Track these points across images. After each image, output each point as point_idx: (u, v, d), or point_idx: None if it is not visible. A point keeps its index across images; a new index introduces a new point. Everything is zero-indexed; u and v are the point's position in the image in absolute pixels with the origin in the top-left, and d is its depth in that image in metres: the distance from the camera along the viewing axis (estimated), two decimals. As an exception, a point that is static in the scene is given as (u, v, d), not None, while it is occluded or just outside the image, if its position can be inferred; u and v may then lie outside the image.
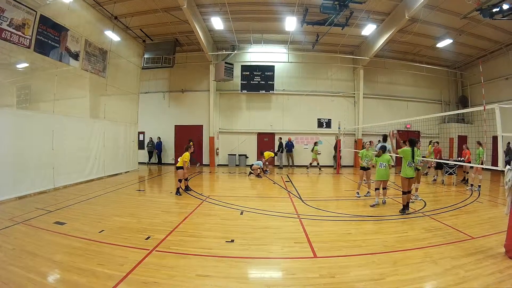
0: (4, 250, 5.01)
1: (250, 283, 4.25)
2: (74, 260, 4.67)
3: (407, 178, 7.88)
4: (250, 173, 15.41)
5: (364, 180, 10.76)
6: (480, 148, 11.79)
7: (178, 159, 10.44)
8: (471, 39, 17.40)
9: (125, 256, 4.89)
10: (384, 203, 8.95)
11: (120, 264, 4.59)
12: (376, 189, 8.94)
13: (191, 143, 10.94)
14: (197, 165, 16.77)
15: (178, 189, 10.33)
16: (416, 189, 9.56)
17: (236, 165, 20.24)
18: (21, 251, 4.98)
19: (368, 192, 10.45)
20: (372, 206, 8.71)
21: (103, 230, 6.23)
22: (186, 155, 10.28)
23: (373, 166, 9.50)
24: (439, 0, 13.32)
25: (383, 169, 8.74)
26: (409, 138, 8.59)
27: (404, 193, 7.97)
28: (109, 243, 5.47)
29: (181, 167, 10.26)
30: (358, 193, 10.30)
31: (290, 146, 19.79)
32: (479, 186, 11.30)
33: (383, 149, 8.91)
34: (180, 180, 10.41)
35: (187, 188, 10.86)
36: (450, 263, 4.68)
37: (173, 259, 4.86)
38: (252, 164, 15.46)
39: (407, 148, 8.11)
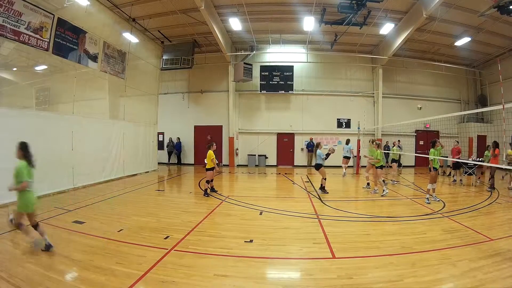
0: (22, 248, 5.07)
1: (268, 283, 4.21)
2: (92, 259, 4.69)
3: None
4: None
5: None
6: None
7: (205, 161, 10.17)
8: (489, 37, 16.95)
9: (144, 255, 4.87)
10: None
11: (139, 263, 4.58)
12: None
13: (214, 143, 10.51)
14: (219, 164, 16.55)
15: (205, 190, 10.13)
16: (434, 190, 9.28)
17: (256, 166, 20.12)
18: (39, 249, 4.98)
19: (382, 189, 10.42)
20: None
21: (122, 230, 6.25)
22: (211, 153, 10.02)
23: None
24: (456, -3, 13.06)
25: None
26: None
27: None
28: (128, 242, 5.47)
29: (211, 168, 10.06)
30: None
31: (312, 146, 19.64)
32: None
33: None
34: (208, 182, 10.19)
35: (211, 189, 10.54)
36: (468, 265, 4.60)
37: (192, 259, 4.82)
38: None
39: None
